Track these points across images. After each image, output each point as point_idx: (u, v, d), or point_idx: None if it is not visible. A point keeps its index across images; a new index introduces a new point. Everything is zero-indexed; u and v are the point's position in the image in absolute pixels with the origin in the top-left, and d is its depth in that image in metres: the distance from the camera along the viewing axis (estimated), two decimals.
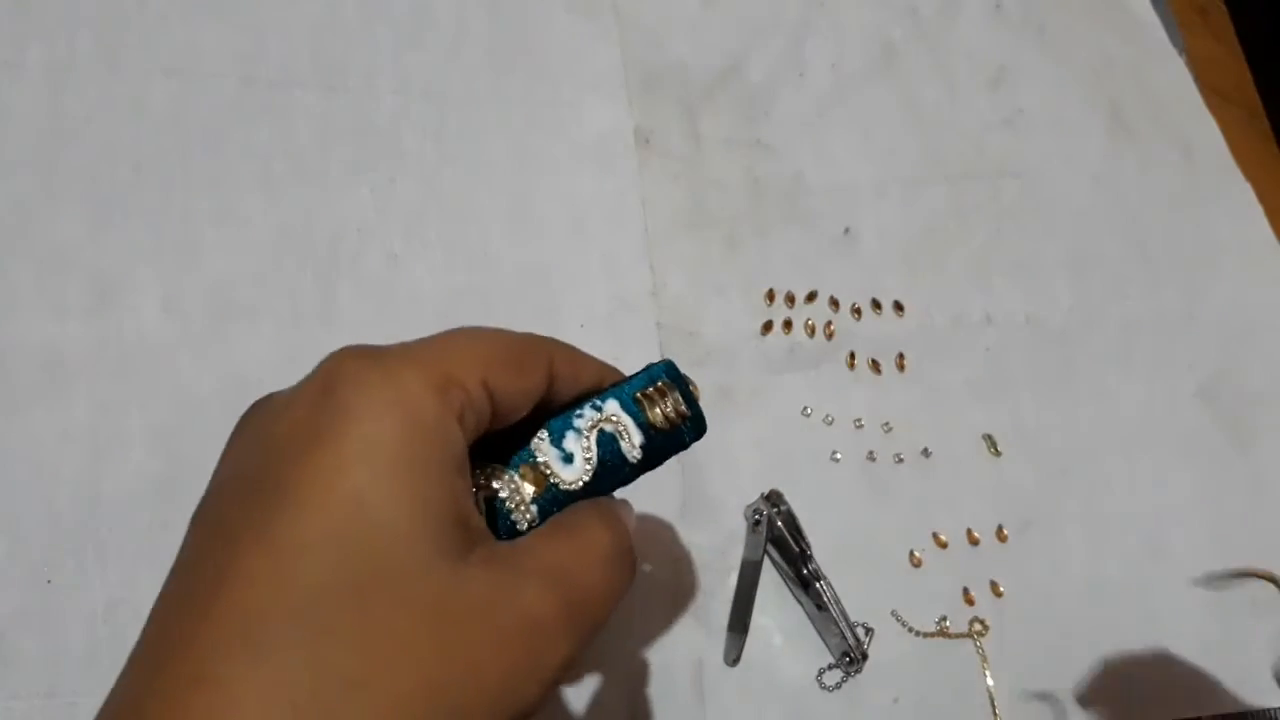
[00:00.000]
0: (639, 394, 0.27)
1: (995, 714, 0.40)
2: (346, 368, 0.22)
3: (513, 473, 0.25)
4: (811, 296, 0.47)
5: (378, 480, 0.20)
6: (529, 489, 0.25)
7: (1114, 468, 0.46)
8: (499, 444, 0.25)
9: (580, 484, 0.26)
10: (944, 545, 0.43)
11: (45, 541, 0.36)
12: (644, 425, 0.27)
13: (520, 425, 0.26)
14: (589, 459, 0.26)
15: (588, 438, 0.26)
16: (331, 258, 0.43)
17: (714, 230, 0.48)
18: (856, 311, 0.47)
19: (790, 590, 0.41)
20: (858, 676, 0.40)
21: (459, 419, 0.22)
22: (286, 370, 0.40)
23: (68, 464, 0.37)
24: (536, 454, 0.25)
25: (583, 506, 0.25)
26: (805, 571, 0.39)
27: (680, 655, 0.39)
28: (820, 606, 0.39)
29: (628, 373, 0.29)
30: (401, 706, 0.19)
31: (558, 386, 0.26)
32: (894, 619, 0.41)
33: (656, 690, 0.39)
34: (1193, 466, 0.47)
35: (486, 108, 0.47)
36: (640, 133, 0.49)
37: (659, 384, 0.28)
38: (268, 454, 0.21)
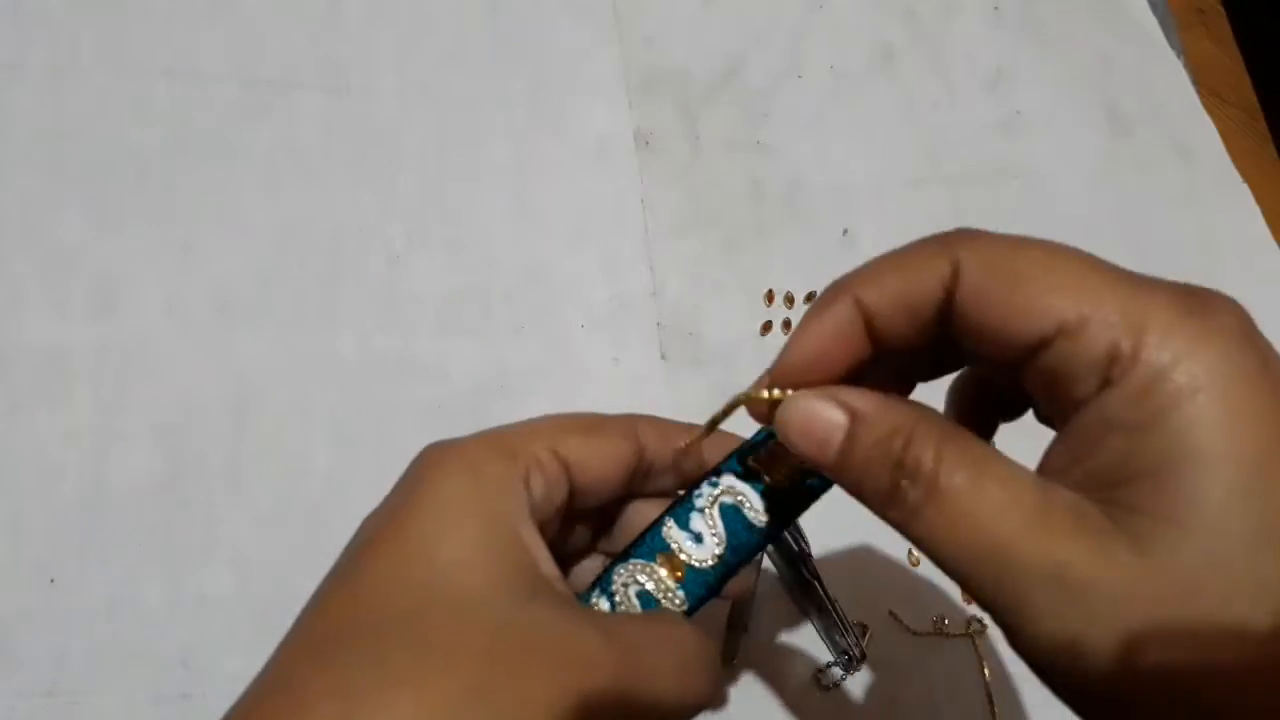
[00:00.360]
0: (750, 461, 0.28)
1: (993, 713, 0.40)
2: (428, 453, 0.25)
3: (652, 564, 0.26)
4: (810, 297, 0.47)
5: (442, 529, 0.23)
6: (669, 575, 0.26)
7: None
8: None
9: (714, 558, 0.27)
10: None
11: (48, 541, 0.36)
12: (762, 489, 0.27)
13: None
14: (715, 533, 0.27)
15: (710, 514, 0.27)
16: (333, 258, 0.43)
17: (714, 231, 0.48)
18: None
19: (789, 590, 0.41)
20: (856, 676, 0.40)
21: (525, 479, 0.24)
22: (289, 370, 0.41)
23: (71, 463, 0.38)
24: (669, 541, 0.27)
25: (679, 617, 0.26)
26: (804, 571, 0.40)
27: None
28: (819, 606, 0.39)
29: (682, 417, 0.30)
30: (450, 706, 0.20)
31: (650, 454, 0.27)
32: (892, 618, 0.41)
33: None
34: None
35: (487, 109, 0.48)
36: (640, 134, 0.49)
37: (770, 445, 0.28)
38: (365, 528, 0.24)
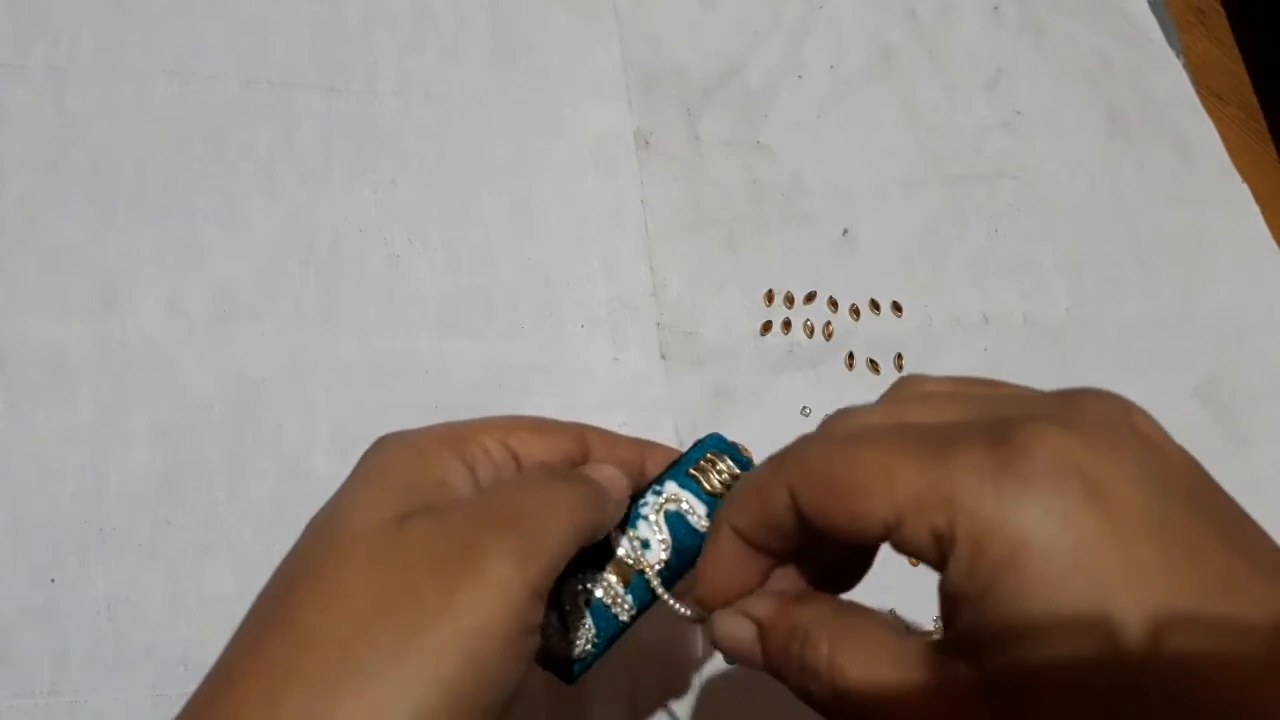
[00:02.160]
0: (692, 469, 0.29)
1: None
2: (381, 441, 0.26)
3: (601, 573, 0.27)
4: (810, 297, 0.47)
5: (362, 489, 0.25)
6: (618, 582, 0.27)
7: None
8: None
9: (661, 563, 0.28)
10: None
11: (48, 540, 0.37)
12: (704, 495, 0.28)
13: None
14: (663, 540, 0.28)
15: (656, 521, 0.28)
16: (333, 258, 0.43)
17: (713, 231, 0.48)
18: (855, 312, 0.47)
19: None
20: None
21: (467, 461, 0.26)
22: (289, 370, 0.41)
23: (71, 463, 0.38)
24: (617, 549, 0.27)
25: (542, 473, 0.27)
26: None
27: (680, 654, 0.39)
28: None
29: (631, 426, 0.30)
30: (346, 643, 0.22)
31: (596, 456, 0.28)
32: (892, 618, 0.41)
33: (656, 690, 0.39)
34: None
35: (487, 109, 0.48)
36: (640, 134, 0.49)
37: (709, 455, 0.29)
38: (315, 518, 0.26)
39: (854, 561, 0.26)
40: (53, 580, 0.36)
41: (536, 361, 0.43)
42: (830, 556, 0.25)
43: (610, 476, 0.28)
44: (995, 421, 0.20)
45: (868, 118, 0.52)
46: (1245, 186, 0.55)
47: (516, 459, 0.27)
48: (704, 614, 0.26)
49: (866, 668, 0.21)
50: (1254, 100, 0.59)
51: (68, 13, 0.44)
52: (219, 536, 0.38)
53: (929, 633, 0.41)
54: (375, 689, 0.21)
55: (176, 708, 0.35)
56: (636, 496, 0.28)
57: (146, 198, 0.42)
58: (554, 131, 0.48)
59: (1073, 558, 0.18)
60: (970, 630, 0.20)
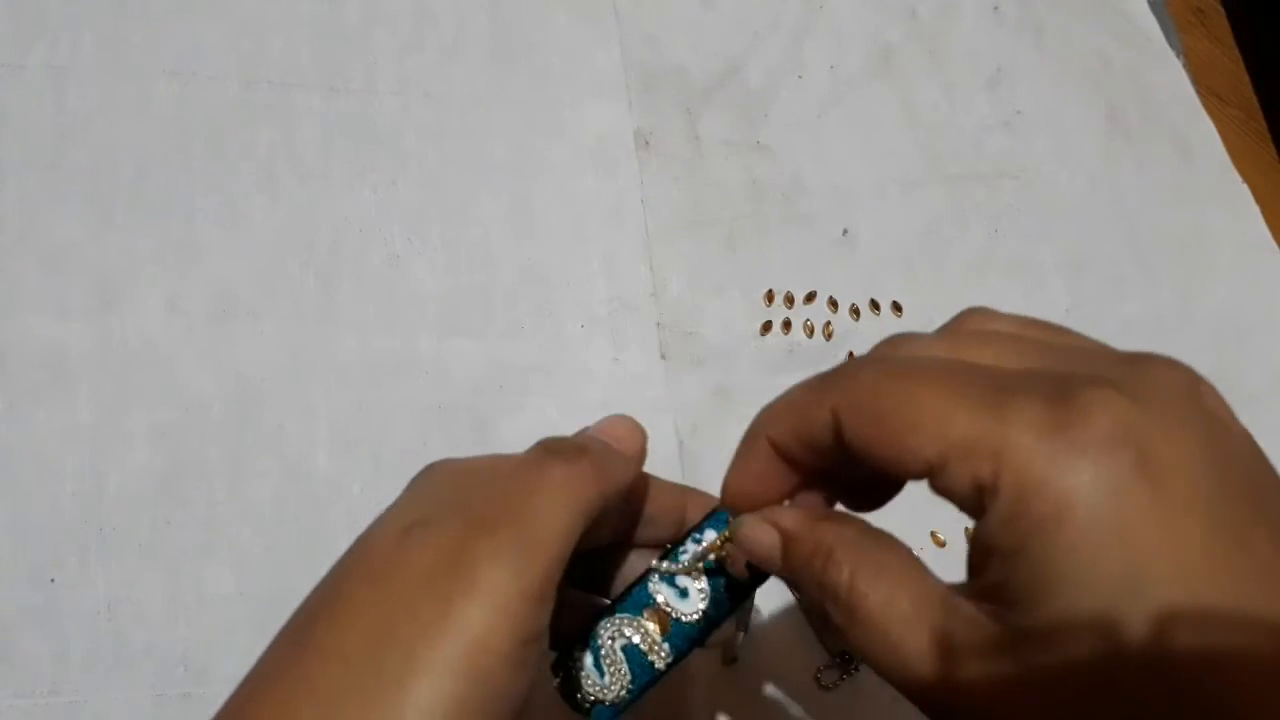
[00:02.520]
0: (733, 517, 0.28)
1: None
2: (429, 465, 0.27)
3: (639, 618, 0.27)
4: (810, 297, 0.47)
5: (392, 507, 0.25)
6: (656, 629, 0.27)
7: None
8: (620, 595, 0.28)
9: (699, 613, 0.27)
10: (942, 544, 0.43)
11: (48, 540, 0.36)
12: None
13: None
14: (701, 589, 0.28)
15: (697, 570, 0.28)
16: (333, 258, 0.43)
17: (713, 231, 0.48)
18: (855, 312, 0.47)
19: (789, 589, 0.41)
20: (856, 675, 0.40)
21: None
22: (288, 369, 0.41)
23: (71, 462, 0.38)
24: (655, 596, 0.27)
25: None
26: None
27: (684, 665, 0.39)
28: (819, 605, 0.39)
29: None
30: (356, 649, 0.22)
31: (636, 496, 0.28)
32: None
33: (655, 690, 0.39)
34: None
35: (487, 109, 0.48)
36: (640, 134, 0.49)
37: None
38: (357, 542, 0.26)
39: (883, 486, 0.26)
40: (53, 580, 0.36)
41: (536, 361, 0.43)
42: (860, 478, 0.25)
43: (620, 435, 0.27)
44: (1059, 378, 0.20)
45: (868, 118, 0.52)
46: (1245, 186, 0.55)
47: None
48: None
49: (886, 598, 0.21)
50: (1254, 100, 0.59)
51: (68, 13, 0.44)
52: (219, 536, 0.38)
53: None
54: (380, 707, 0.21)
55: (176, 708, 0.35)
56: (677, 544, 0.28)
57: (146, 197, 0.42)
58: (554, 131, 0.48)
59: (1114, 531, 0.18)
60: (999, 583, 0.19)
